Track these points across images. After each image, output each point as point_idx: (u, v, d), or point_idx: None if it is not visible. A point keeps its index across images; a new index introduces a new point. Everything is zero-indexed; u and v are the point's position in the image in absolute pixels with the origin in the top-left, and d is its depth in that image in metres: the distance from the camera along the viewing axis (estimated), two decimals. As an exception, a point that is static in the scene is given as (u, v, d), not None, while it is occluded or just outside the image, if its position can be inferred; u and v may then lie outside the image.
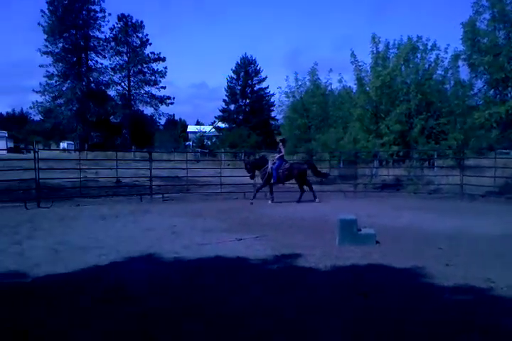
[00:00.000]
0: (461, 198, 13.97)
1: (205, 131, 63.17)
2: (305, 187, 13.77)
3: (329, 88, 25.58)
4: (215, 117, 63.56)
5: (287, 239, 7.39)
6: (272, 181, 13.56)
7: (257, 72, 60.37)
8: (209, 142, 55.07)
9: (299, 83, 24.98)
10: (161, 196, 14.36)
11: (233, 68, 60.37)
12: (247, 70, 59.78)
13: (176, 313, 4.03)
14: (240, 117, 59.42)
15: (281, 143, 14.05)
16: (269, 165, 13.51)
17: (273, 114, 56.58)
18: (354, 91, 22.07)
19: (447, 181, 15.88)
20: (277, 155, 13.79)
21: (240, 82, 60.08)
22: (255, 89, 60.66)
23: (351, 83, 22.08)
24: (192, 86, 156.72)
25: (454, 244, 7.03)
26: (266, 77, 60.77)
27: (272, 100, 58.03)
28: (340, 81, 21.72)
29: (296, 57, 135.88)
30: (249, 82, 60.17)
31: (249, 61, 59.97)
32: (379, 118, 19.81)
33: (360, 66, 20.13)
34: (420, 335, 3.55)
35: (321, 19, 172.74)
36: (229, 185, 15.78)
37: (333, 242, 7.03)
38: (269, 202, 13.28)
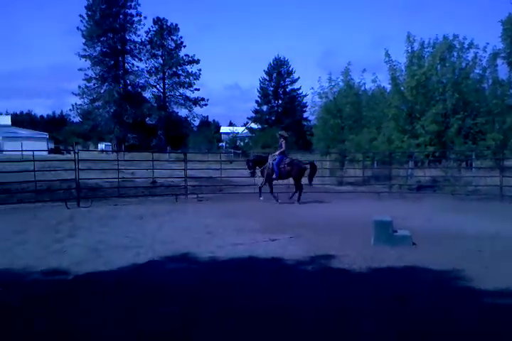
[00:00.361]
0: (501, 200, 13.57)
1: (238, 132, 63.58)
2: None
3: (363, 88, 25.30)
4: (248, 118, 64.05)
5: (321, 240, 7.38)
6: (274, 177, 13.42)
7: (290, 73, 60.40)
8: (242, 143, 55.41)
9: (332, 83, 24.78)
10: (195, 196, 14.55)
11: (266, 69, 60.68)
12: (279, 71, 59.88)
13: (214, 313, 4.09)
14: (273, 118, 59.59)
15: (282, 139, 13.86)
16: (270, 161, 13.43)
17: (305, 115, 56.58)
18: (388, 91, 21.80)
19: (486, 182, 15.44)
20: (278, 151, 13.68)
21: (272, 83, 60.27)
22: (288, 90, 60.72)
23: (385, 83, 21.76)
24: (225, 87, 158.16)
25: (493, 246, 6.85)
26: (298, 78, 60.81)
27: (304, 101, 58.04)
28: (374, 81, 21.51)
29: (329, 57, 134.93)
30: (282, 82, 60.27)
31: (281, 62, 60.06)
32: (414, 119, 19.48)
33: (394, 65, 19.88)
34: (457, 338, 3.50)
35: (354, 19, 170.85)
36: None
37: (367, 244, 6.98)
38: (276, 201, 13.05)
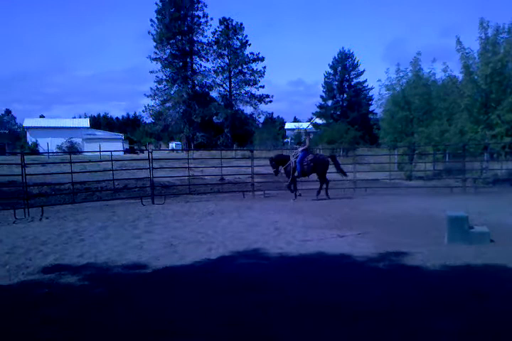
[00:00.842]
0: None
1: (303, 128, 63.27)
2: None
3: (432, 78, 24.22)
4: (313, 113, 63.43)
5: (391, 237, 7.25)
6: (296, 174, 13.11)
7: (355, 66, 59.12)
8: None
9: (401, 74, 23.97)
10: (262, 193, 14.76)
11: (330, 63, 59.82)
12: (344, 65, 58.79)
13: (290, 306, 4.18)
14: (338, 112, 58.68)
15: (306, 136, 13.64)
16: (292, 158, 13.13)
17: (371, 108, 55.18)
18: (460, 80, 20.71)
19: None
20: (300, 148, 13.39)
21: (337, 77, 59.33)
22: (353, 83, 59.49)
23: (457, 72, 20.72)
24: (289, 83, 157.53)
25: None
26: (364, 71, 59.37)
27: (370, 94, 56.62)
28: (444, 70, 20.48)
29: (396, 48, 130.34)
30: (347, 76, 59.15)
31: (346, 55, 58.94)
32: (489, 108, 18.38)
33: (467, 53, 18.84)
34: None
35: (422, 7, 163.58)
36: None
37: (441, 240, 6.76)
38: (291, 200, 12.81)
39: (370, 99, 55.92)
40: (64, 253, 6.47)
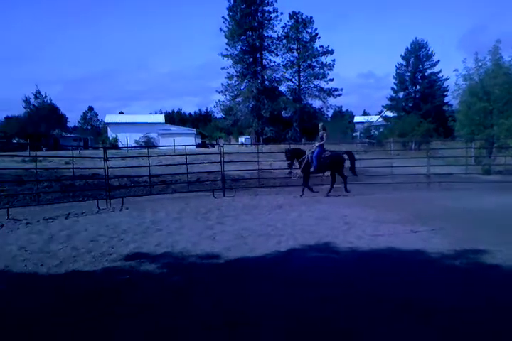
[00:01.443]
0: None
1: (373, 121, 61.65)
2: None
3: (514, 66, 22.64)
4: (383, 106, 61.58)
5: (467, 233, 6.94)
6: (312, 170, 12.74)
7: (429, 56, 56.50)
8: (376, 132, 53.58)
9: (479, 64, 22.68)
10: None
11: (402, 54, 57.64)
12: (417, 55, 56.40)
13: (360, 301, 4.17)
14: (410, 105, 56.47)
15: (323, 131, 12.91)
16: (308, 153, 12.71)
17: (446, 100, 52.59)
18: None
19: None
20: (317, 143, 12.89)
21: (409, 68, 57.08)
22: (426, 74, 56.90)
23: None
24: (359, 76, 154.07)
25: None
26: (438, 61, 56.60)
27: (445, 85, 53.91)
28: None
29: (473, 37, 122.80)
30: (420, 67, 56.70)
31: (420, 45, 56.48)
32: None
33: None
34: None
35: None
36: (399, 175, 15.31)
37: (524, 238, 6.38)
38: (299, 195, 12.51)
39: (445, 90, 53.33)
40: (143, 241, 6.85)
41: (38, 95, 62.05)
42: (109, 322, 3.78)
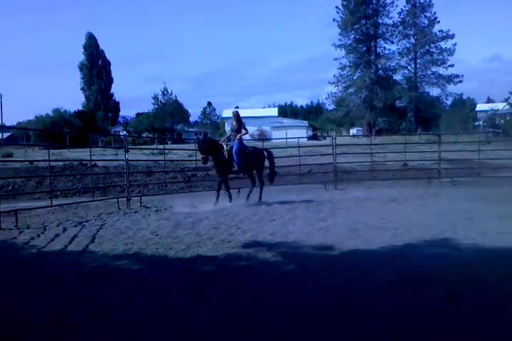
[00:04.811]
0: None
1: (498, 109, 56.33)
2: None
3: None
4: (510, 92, 55.97)
5: None
6: (235, 169, 10.56)
7: None
8: (502, 121, 48.90)
9: None
10: (449, 180, 13.91)
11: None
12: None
13: (484, 299, 4.01)
14: (545, 89, 50.62)
15: (236, 121, 10.73)
16: (225, 148, 10.41)
17: None
18: None
19: None
20: (238, 135, 10.58)
21: (546, 48, 51.11)
22: None
23: None
24: (483, 60, 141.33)
25: None
26: None
27: None
28: None
29: None
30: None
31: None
32: None
33: None
34: None
35: None
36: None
37: None
38: (228, 203, 10.28)
39: None
40: (258, 231, 7.19)
41: (165, 92, 67.13)
42: (232, 303, 4.08)
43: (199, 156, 10.41)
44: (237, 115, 10.86)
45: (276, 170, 11.54)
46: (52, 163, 14.32)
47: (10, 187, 13.26)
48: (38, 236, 7.19)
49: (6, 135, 62.06)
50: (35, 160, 16.04)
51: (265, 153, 11.25)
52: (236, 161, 10.34)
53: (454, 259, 5.29)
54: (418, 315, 3.69)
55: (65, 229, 7.74)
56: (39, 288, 4.58)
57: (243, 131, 10.66)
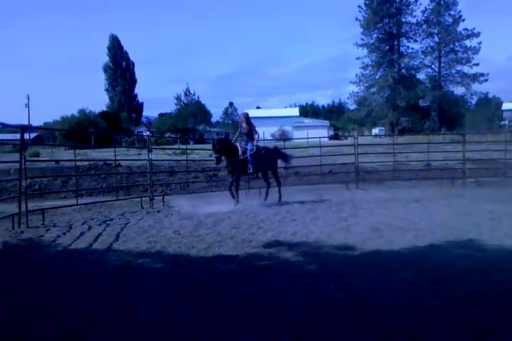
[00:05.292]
0: None
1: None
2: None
3: None
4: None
5: None
6: (250, 171, 10.46)
7: None
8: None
9: None
10: (474, 180, 13.67)
11: None
12: None
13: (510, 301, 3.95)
14: None
15: (246, 123, 10.64)
16: (240, 149, 10.24)
17: None
18: None
19: None
20: (247, 137, 10.60)
21: None
22: None
23: None
24: (509, 58, 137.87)
25: None
26: None
27: None
28: None
29: None
30: None
31: None
32: None
33: None
34: None
35: None
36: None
37: None
38: (234, 204, 10.02)
39: None
40: (279, 230, 7.19)
41: (187, 93, 67.72)
42: (253, 303, 4.10)
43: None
44: (247, 117, 10.83)
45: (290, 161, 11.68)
46: (78, 163, 14.61)
47: (37, 187, 13.56)
48: (64, 234, 7.35)
49: (33, 135, 63.47)
50: (62, 160, 16.38)
51: (278, 153, 11.36)
52: (251, 163, 10.33)
53: (478, 260, 5.20)
54: (442, 316, 3.64)
55: (90, 228, 7.89)
56: (65, 285, 4.69)
57: (256, 136, 10.61)
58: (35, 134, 66.77)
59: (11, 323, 3.68)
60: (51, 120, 70.68)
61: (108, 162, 16.00)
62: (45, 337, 3.41)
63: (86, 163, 16.60)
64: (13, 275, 5.06)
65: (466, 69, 56.18)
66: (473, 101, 61.83)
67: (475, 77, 55.73)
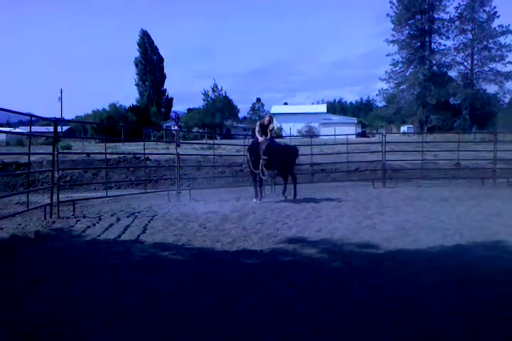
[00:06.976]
0: None
1: None
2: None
3: None
4: None
5: None
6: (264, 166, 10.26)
7: None
8: None
9: None
10: (505, 180, 13.34)
11: None
12: None
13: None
14: None
15: (269, 119, 10.91)
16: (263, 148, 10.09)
17: None
18: None
19: None
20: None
21: None
22: None
23: None
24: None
25: None
26: None
27: None
28: None
29: None
30: None
31: None
32: None
33: None
34: None
35: None
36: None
37: None
38: (256, 200, 10.13)
39: None
40: (304, 227, 7.20)
41: (215, 88, 68.17)
42: (277, 297, 4.13)
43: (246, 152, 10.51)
44: (271, 118, 11.15)
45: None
46: (108, 156, 14.92)
47: (68, 178, 13.93)
48: (94, 225, 7.55)
49: (65, 128, 64.92)
50: (92, 153, 16.76)
51: (294, 150, 11.42)
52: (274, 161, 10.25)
53: (507, 262, 5.09)
54: (468, 318, 3.59)
55: (118, 219, 8.07)
56: (93, 274, 4.82)
57: (271, 127, 10.73)
58: (68, 127, 68.23)
59: (41, 311, 3.80)
60: (83, 114, 72.46)
61: (137, 155, 16.27)
62: (75, 325, 3.52)
63: (116, 156, 16.91)
64: (43, 264, 5.23)
65: (499, 66, 54.91)
66: (506, 100, 60.11)
67: (509, 75, 54.23)
